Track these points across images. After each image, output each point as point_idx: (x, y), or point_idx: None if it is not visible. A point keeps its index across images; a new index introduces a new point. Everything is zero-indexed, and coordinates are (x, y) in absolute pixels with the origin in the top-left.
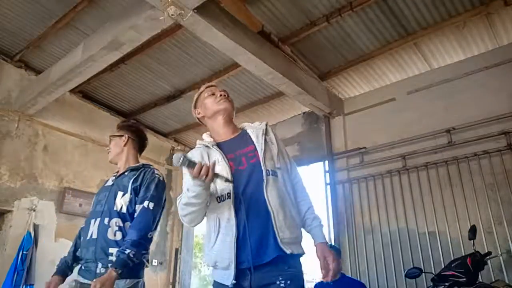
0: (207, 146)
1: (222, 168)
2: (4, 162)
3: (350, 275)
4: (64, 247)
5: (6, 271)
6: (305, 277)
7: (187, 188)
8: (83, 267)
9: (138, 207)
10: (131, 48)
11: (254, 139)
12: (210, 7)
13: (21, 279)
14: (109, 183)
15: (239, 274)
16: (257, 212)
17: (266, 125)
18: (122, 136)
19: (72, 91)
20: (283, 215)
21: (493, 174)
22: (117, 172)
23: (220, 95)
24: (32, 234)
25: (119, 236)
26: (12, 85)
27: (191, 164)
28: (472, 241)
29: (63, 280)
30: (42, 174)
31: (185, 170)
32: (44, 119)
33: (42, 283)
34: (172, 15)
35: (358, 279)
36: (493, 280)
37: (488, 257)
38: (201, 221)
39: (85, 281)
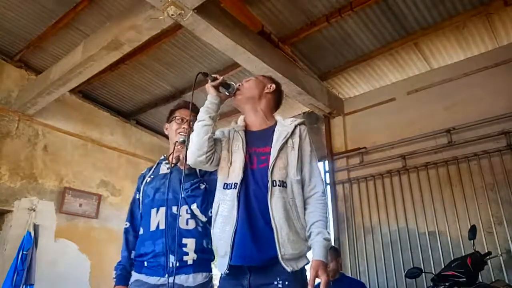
0: (235, 130)
1: (238, 155)
2: (4, 162)
3: (350, 275)
4: (64, 247)
5: (6, 271)
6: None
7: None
8: (146, 264)
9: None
10: (131, 48)
11: (274, 140)
12: (210, 7)
13: (21, 279)
14: (163, 170)
15: (237, 270)
16: (259, 219)
17: (296, 127)
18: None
19: (72, 91)
20: (287, 229)
21: (493, 174)
22: (168, 160)
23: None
24: (32, 234)
25: (192, 224)
26: (12, 85)
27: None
28: (472, 241)
29: None
30: (42, 174)
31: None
32: (44, 119)
33: (42, 283)
34: (172, 15)
35: (358, 279)
36: (493, 280)
37: (488, 257)
38: (207, 155)
39: (153, 279)
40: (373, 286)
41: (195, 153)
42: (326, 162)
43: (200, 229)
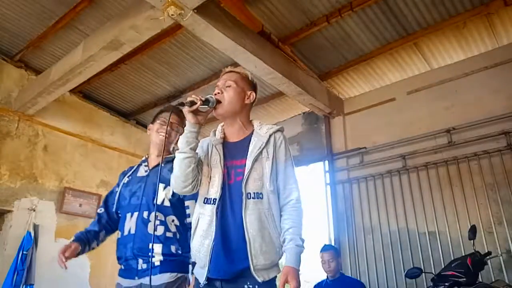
0: (214, 144)
1: (217, 170)
2: (4, 162)
3: (350, 275)
4: None
5: (6, 271)
6: (304, 277)
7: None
8: (122, 267)
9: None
10: (131, 48)
11: (249, 151)
12: (210, 7)
13: (21, 279)
14: (142, 173)
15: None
16: (234, 233)
17: (270, 136)
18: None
19: (72, 91)
20: (261, 241)
21: (493, 174)
22: (147, 162)
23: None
24: (32, 234)
25: (160, 230)
26: (12, 85)
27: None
28: (472, 241)
29: (80, 249)
30: (42, 174)
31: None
32: (44, 119)
33: (42, 283)
34: (172, 15)
35: (358, 279)
36: (493, 280)
37: (488, 257)
38: (193, 184)
39: (127, 282)
40: (373, 286)
41: (180, 185)
42: (326, 162)
43: (170, 235)
